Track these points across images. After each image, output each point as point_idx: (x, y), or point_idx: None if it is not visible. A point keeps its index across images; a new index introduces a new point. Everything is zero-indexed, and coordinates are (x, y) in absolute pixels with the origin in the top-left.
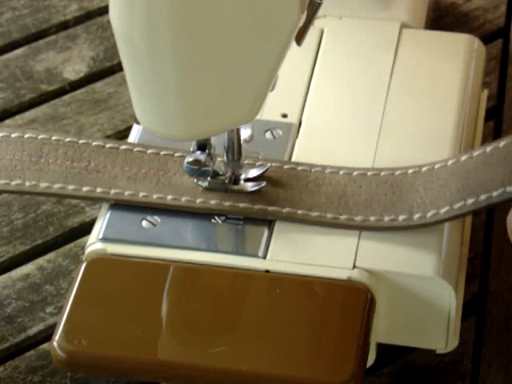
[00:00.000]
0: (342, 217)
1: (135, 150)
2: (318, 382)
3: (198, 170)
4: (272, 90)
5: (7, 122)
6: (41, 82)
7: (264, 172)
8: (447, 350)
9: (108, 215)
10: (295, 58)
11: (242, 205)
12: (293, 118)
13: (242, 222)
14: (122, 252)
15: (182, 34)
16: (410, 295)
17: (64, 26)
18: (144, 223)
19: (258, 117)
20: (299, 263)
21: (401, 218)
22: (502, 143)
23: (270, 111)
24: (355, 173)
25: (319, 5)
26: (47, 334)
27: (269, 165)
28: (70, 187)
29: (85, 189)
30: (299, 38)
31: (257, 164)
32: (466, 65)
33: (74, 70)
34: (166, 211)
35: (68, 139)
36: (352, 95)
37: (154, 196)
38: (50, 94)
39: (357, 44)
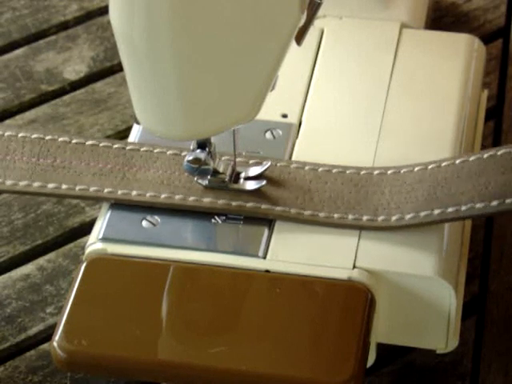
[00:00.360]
0: (306, 212)
1: (101, 145)
2: (318, 381)
3: (198, 168)
4: (272, 90)
5: (7, 122)
6: (41, 82)
7: (265, 171)
8: (447, 350)
9: (108, 215)
10: (295, 58)
11: (206, 200)
12: (293, 118)
13: (242, 222)
14: (122, 252)
15: (182, 34)
16: (410, 295)
17: (64, 26)
18: (144, 223)
19: (258, 117)
20: (299, 263)
21: (365, 218)
22: (471, 157)
23: (270, 111)
24: (320, 169)
25: (319, 5)
26: (47, 334)
27: (269, 163)
28: (36, 184)
29: (50, 185)
30: (299, 38)
31: (257, 162)
32: (466, 65)
33: (74, 70)
34: (166, 211)
35: (35, 136)
36: (352, 95)
37: (119, 192)
38: (50, 94)
39: (357, 44)
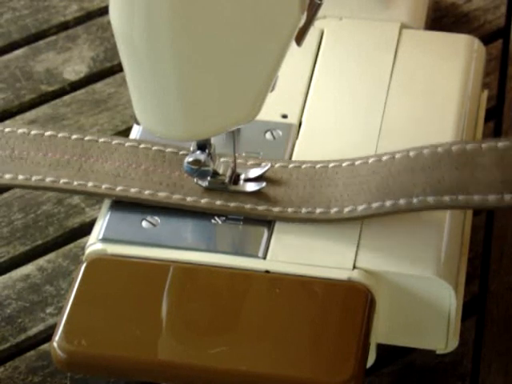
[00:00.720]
0: (260, 207)
1: (59, 135)
2: (318, 382)
3: (197, 169)
4: (272, 91)
5: (7, 122)
6: (41, 83)
7: (264, 172)
8: (447, 351)
9: (108, 216)
10: (295, 58)
11: (161, 194)
12: (293, 119)
13: (241, 223)
14: (122, 252)
15: (182, 34)
16: (410, 295)
17: (64, 26)
18: (144, 223)
19: (257, 117)
20: (299, 264)
21: (318, 210)
22: (425, 150)
23: (270, 112)
24: (277, 165)
25: (319, 5)
26: (47, 335)
27: (269, 165)
28: None
29: (7, 176)
30: (299, 39)
31: (257, 164)
32: (466, 65)
33: (74, 70)
34: (166, 211)
35: None
36: (352, 96)
37: (75, 183)
38: (50, 94)
39: (357, 45)
